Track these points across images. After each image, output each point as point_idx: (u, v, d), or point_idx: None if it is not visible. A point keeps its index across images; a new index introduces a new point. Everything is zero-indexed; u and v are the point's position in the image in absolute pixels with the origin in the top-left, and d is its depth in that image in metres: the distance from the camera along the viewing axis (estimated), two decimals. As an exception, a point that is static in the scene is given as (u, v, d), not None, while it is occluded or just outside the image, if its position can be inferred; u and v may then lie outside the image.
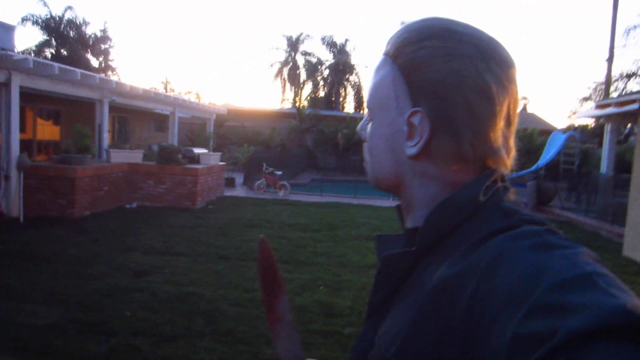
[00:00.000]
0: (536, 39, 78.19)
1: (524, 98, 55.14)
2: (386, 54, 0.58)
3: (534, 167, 14.02)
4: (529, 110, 35.53)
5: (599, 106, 9.81)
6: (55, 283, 4.42)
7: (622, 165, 12.32)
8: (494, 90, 0.51)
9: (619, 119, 11.20)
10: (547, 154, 13.75)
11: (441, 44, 0.52)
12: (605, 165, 11.28)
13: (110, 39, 26.02)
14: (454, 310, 0.43)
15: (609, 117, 10.75)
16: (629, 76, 21.57)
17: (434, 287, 0.46)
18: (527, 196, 12.56)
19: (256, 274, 0.79)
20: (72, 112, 13.08)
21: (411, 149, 0.54)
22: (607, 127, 11.37)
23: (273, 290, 0.78)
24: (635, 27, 19.83)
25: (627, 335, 0.32)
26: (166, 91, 26.69)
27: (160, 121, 17.59)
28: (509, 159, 0.54)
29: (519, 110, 0.56)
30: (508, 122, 0.53)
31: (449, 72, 0.51)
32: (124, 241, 6.22)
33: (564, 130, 18.78)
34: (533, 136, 19.58)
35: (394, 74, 0.56)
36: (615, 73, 21.60)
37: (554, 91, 73.61)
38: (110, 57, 26.54)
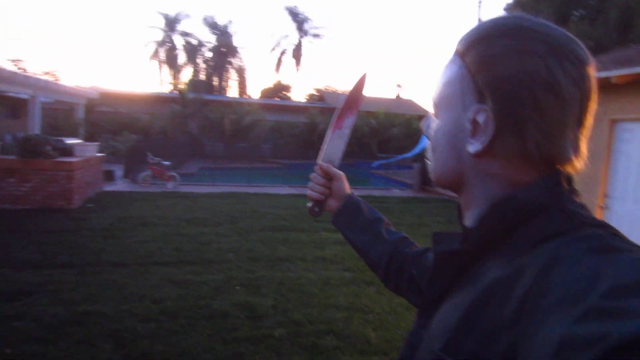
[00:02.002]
0: (410, 28, 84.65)
1: (399, 86, 59.46)
2: (456, 52, 0.57)
3: (411, 152, 15.23)
4: (406, 97, 38.43)
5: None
6: None
7: None
8: (564, 89, 0.48)
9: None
10: (424, 140, 15.13)
11: (510, 41, 0.50)
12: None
13: None
14: (503, 309, 0.42)
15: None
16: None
17: (485, 286, 0.46)
18: (412, 178, 13.58)
19: (349, 92, 0.98)
20: None
21: (474, 146, 0.53)
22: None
23: (351, 107, 0.97)
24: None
25: None
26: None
27: (14, 107, 14.95)
28: (577, 161, 0.51)
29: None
30: (580, 123, 0.51)
31: (516, 69, 0.49)
32: (-16, 256, 5.09)
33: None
34: (412, 122, 21.25)
35: (462, 72, 0.55)
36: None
37: (427, 79, 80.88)
38: None
